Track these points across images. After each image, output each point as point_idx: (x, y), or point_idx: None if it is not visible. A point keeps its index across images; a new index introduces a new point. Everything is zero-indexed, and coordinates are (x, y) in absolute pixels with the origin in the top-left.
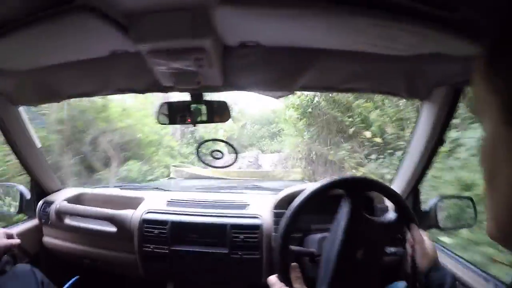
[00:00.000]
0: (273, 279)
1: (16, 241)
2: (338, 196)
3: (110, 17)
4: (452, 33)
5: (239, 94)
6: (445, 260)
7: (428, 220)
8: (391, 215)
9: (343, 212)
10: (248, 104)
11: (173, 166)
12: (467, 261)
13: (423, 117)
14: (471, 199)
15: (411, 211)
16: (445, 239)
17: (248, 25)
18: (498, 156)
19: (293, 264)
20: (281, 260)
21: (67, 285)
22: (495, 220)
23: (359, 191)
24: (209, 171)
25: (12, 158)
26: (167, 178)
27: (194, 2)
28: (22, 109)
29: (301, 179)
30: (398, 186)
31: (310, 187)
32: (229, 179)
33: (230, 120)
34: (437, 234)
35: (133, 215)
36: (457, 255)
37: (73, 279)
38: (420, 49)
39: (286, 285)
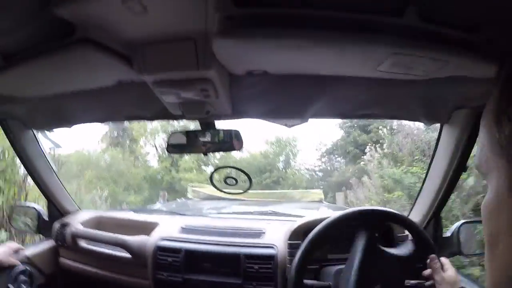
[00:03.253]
0: None
1: (17, 262)
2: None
3: (112, 49)
4: (473, 56)
5: None
6: None
7: (450, 247)
8: (409, 246)
9: (358, 245)
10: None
11: (190, 186)
12: None
13: (443, 141)
14: None
15: (429, 240)
16: (475, 271)
17: (252, 55)
18: (501, 221)
19: None
20: None
21: None
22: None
23: (375, 223)
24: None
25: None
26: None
27: (196, 33)
28: (37, 133)
29: (319, 200)
30: (417, 214)
31: (325, 219)
32: (246, 200)
33: None
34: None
35: (148, 242)
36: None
37: None
38: (439, 74)
39: None
